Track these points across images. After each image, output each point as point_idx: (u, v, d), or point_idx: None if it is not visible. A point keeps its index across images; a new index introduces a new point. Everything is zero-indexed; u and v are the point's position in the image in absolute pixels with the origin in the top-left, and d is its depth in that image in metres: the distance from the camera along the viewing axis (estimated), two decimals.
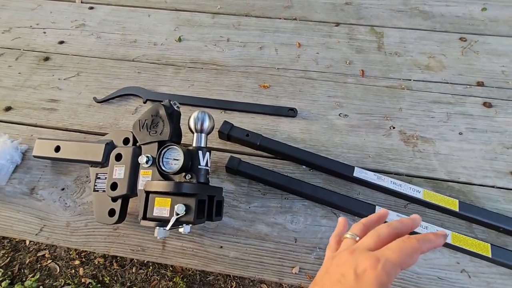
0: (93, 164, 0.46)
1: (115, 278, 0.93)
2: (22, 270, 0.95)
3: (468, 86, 0.62)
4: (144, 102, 0.60)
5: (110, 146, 0.46)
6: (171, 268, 0.95)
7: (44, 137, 0.51)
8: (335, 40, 0.71)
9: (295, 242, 0.45)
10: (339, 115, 0.58)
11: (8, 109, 0.59)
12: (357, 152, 0.53)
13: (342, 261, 0.26)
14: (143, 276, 0.93)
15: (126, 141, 0.47)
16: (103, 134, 0.56)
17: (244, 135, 0.52)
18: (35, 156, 0.49)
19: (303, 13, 0.77)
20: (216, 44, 0.70)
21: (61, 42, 0.71)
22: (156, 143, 0.43)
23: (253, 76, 0.64)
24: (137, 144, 0.45)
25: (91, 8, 0.79)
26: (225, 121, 0.54)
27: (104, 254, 0.97)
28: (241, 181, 0.50)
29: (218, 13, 0.77)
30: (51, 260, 0.97)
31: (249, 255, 0.44)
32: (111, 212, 0.44)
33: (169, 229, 0.36)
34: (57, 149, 0.48)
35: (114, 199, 0.44)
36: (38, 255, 0.98)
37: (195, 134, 0.43)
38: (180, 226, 0.38)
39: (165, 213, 0.37)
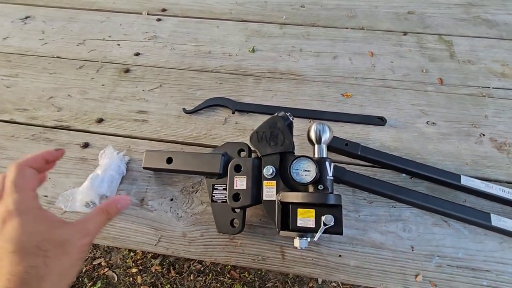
0: (209, 175, 0.48)
1: (174, 286, 0.93)
2: (81, 279, 0.95)
3: None
4: (233, 113, 0.61)
5: (225, 157, 0.47)
6: (228, 275, 0.95)
7: (152, 149, 0.52)
8: (406, 48, 0.72)
9: (412, 250, 0.46)
10: (427, 123, 0.59)
11: (100, 120, 0.60)
12: (453, 159, 0.54)
13: None
14: (202, 283, 0.94)
15: (240, 152, 0.48)
16: (199, 145, 0.57)
17: (344, 145, 0.53)
18: (144, 168, 0.50)
19: (368, 22, 0.79)
20: (290, 54, 0.72)
21: (137, 54, 0.73)
22: (278, 155, 0.44)
23: (333, 86, 0.66)
24: (253, 155, 0.46)
25: (159, 20, 0.81)
26: None
27: (161, 261, 0.98)
28: (345, 190, 0.51)
29: (285, 24, 0.79)
30: (107, 268, 0.97)
31: (370, 263, 0.45)
32: (232, 222, 0.45)
33: (317, 239, 0.37)
34: (169, 160, 0.49)
35: (234, 209, 0.45)
36: (94, 263, 0.98)
37: (316, 145, 0.45)
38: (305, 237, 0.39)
39: (311, 224, 0.37)
